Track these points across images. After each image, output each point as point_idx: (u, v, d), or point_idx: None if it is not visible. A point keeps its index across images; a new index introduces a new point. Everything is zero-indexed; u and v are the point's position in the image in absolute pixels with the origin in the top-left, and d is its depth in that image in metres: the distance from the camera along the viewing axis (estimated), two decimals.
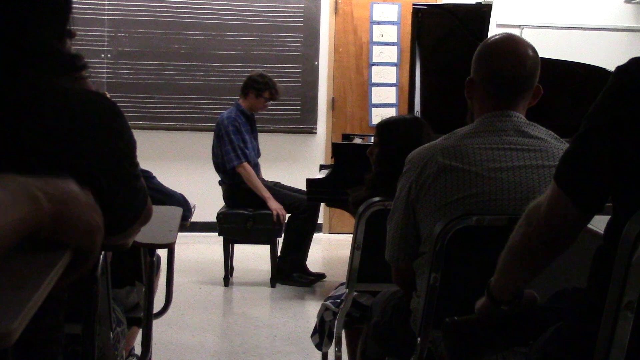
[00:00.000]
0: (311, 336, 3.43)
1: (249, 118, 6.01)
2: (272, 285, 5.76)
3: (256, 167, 5.96)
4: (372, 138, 3.59)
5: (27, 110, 1.48)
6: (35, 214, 1.04)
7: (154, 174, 3.24)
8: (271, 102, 6.05)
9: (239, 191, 5.87)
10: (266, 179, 6.09)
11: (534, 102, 2.32)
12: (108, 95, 1.74)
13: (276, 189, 5.97)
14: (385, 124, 3.37)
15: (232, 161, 5.78)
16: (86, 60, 1.64)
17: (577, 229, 1.62)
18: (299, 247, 5.91)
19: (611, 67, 5.46)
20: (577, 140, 1.56)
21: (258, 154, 6.08)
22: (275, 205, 5.75)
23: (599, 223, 1.67)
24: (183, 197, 3.40)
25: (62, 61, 1.59)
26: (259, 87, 5.89)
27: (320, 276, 5.97)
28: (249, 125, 5.97)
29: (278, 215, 5.71)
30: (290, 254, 5.88)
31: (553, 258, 1.70)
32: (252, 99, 5.92)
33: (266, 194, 5.79)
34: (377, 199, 2.92)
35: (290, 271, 5.79)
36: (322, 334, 3.31)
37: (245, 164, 5.81)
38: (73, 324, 1.72)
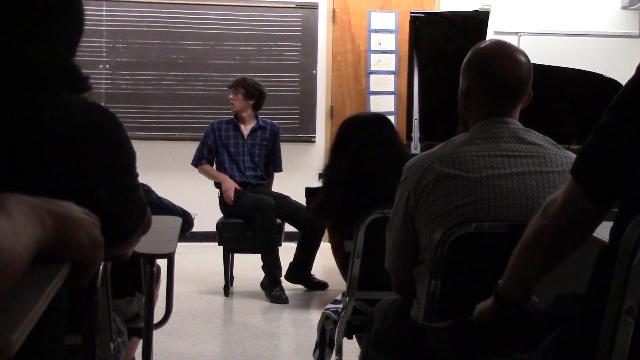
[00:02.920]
0: (312, 353, 3.41)
1: (231, 121, 6.08)
2: None
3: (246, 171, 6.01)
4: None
5: (29, 121, 1.49)
6: (44, 234, 1.06)
7: (154, 185, 3.24)
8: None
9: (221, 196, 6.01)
10: (272, 189, 6.16)
11: (524, 107, 2.33)
12: (105, 107, 1.74)
13: (287, 200, 5.99)
14: (343, 121, 3.38)
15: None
16: (85, 71, 1.65)
17: (591, 223, 1.61)
18: (308, 260, 5.96)
19: (608, 73, 5.45)
20: (596, 132, 1.55)
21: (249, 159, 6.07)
22: (228, 185, 5.85)
23: (601, 230, 1.66)
24: (183, 210, 3.39)
25: (76, 80, 1.60)
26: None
27: (323, 285, 6.00)
28: (231, 130, 6.04)
29: (230, 194, 5.80)
30: (298, 266, 5.95)
31: (566, 253, 1.69)
32: None
33: (222, 177, 5.93)
34: (376, 208, 2.92)
35: (271, 285, 5.70)
36: (322, 347, 3.30)
37: (201, 167, 6.03)
38: (73, 335, 1.72)
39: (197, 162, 6.07)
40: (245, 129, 6.04)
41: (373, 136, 3.12)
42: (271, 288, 5.64)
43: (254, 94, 5.97)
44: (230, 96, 6.01)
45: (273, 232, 5.70)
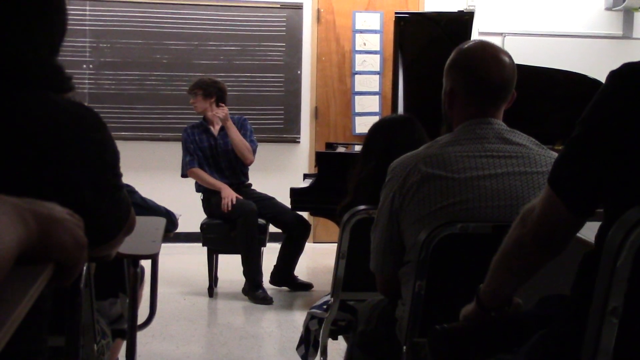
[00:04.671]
0: (297, 348, 3.42)
1: (200, 125, 6.02)
2: None
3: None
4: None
5: (11, 121, 1.48)
6: (27, 235, 1.05)
7: (137, 185, 3.23)
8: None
9: (204, 199, 5.97)
10: (257, 190, 6.10)
11: (508, 107, 2.34)
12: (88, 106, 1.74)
13: (272, 202, 5.97)
14: (372, 126, 3.39)
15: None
16: (68, 71, 1.65)
17: (570, 232, 1.62)
18: (291, 262, 5.95)
19: (592, 74, 5.47)
20: (570, 143, 1.56)
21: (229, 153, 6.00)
22: (226, 194, 5.73)
23: (586, 231, 1.67)
24: (167, 210, 3.38)
25: (59, 79, 1.60)
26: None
27: (308, 286, 5.99)
28: (203, 132, 5.97)
29: (227, 202, 5.68)
30: (282, 268, 5.94)
31: (546, 261, 1.70)
32: None
33: (220, 185, 5.80)
34: (361, 207, 2.92)
35: (253, 290, 5.66)
36: (307, 344, 3.30)
37: (192, 171, 5.90)
38: (56, 337, 1.71)
39: (186, 167, 5.93)
40: (215, 129, 5.97)
41: (398, 138, 3.12)
42: (254, 291, 5.63)
43: (213, 92, 5.90)
44: (191, 100, 5.96)
45: (254, 239, 5.67)
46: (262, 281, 5.71)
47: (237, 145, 5.85)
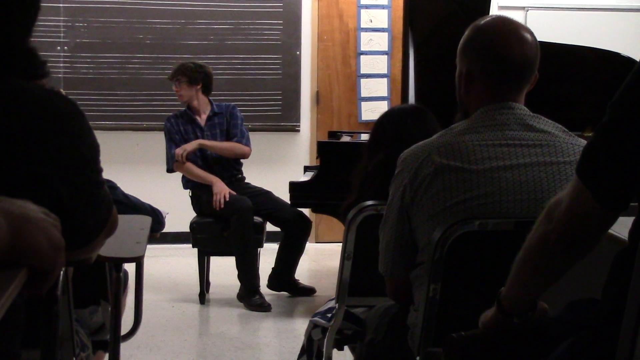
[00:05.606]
0: (298, 358, 3.43)
1: (184, 114, 6.00)
2: None
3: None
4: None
5: None
6: None
7: (119, 180, 3.24)
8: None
9: (193, 196, 5.97)
10: (252, 184, 6.10)
11: (529, 90, 2.34)
12: (64, 93, 1.74)
13: (268, 196, 5.97)
14: (380, 116, 3.39)
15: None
16: (41, 54, 1.65)
17: (600, 228, 1.62)
18: (291, 265, 5.97)
19: (626, 52, 5.45)
20: (601, 130, 1.56)
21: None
22: (219, 188, 5.70)
23: (619, 226, 1.67)
24: (152, 208, 3.39)
25: (32, 65, 1.60)
26: None
27: (310, 290, 6.01)
28: (188, 123, 5.96)
29: (220, 199, 5.64)
30: (281, 270, 5.96)
31: (574, 262, 1.70)
32: None
33: (211, 178, 5.78)
34: (369, 202, 2.93)
35: (249, 295, 5.67)
36: (310, 355, 3.31)
37: (177, 163, 5.85)
38: (31, 350, 1.72)
39: (172, 160, 5.89)
40: (202, 119, 5.96)
41: (410, 129, 3.12)
42: (250, 297, 5.64)
43: (198, 78, 5.86)
44: (175, 88, 5.93)
45: (249, 239, 5.66)
46: (259, 286, 5.72)
47: (225, 153, 5.88)
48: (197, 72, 5.88)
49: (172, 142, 5.90)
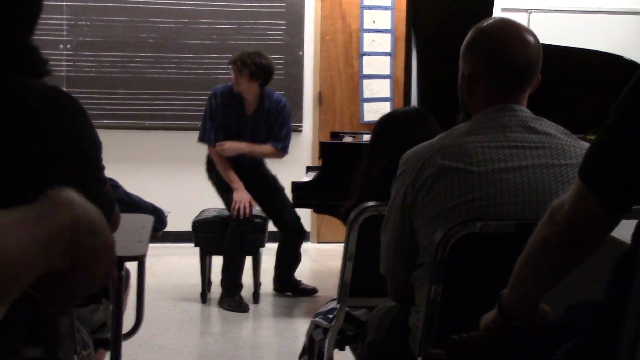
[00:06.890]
0: (299, 358, 3.43)
1: (233, 96, 5.79)
2: (255, 301, 5.75)
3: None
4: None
5: None
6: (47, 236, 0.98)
7: (121, 179, 3.24)
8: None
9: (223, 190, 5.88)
10: (270, 171, 6.08)
11: (531, 92, 2.34)
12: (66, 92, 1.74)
13: (279, 194, 5.96)
14: (381, 118, 3.39)
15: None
16: (44, 52, 1.65)
17: (602, 231, 1.62)
18: (289, 271, 6.01)
19: (629, 55, 5.45)
20: (603, 133, 1.56)
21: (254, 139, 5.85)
22: (240, 197, 5.63)
23: (621, 229, 1.67)
24: (154, 207, 3.39)
25: (35, 62, 1.59)
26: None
27: (311, 291, 6.03)
28: (234, 107, 5.78)
29: (239, 207, 5.58)
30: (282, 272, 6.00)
31: (576, 263, 1.70)
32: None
33: (237, 184, 5.70)
34: (370, 203, 2.93)
35: (230, 294, 5.66)
36: (311, 355, 3.31)
37: (214, 148, 5.75)
38: (32, 347, 1.72)
39: (209, 138, 5.73)
40: (249, 109, 5.80)
41: (414, 133, 3.11)
42: (230, 299, 5.62)
43: (260, 76, 5.68)
44: (232, 76, 5.71)
45: (241, 250, 5.67)
46: (240, 293, 5.69)
47: (259, 156, 5.86)
48: (261, 70, 5.69)
49: (212, 121, 5.76)
